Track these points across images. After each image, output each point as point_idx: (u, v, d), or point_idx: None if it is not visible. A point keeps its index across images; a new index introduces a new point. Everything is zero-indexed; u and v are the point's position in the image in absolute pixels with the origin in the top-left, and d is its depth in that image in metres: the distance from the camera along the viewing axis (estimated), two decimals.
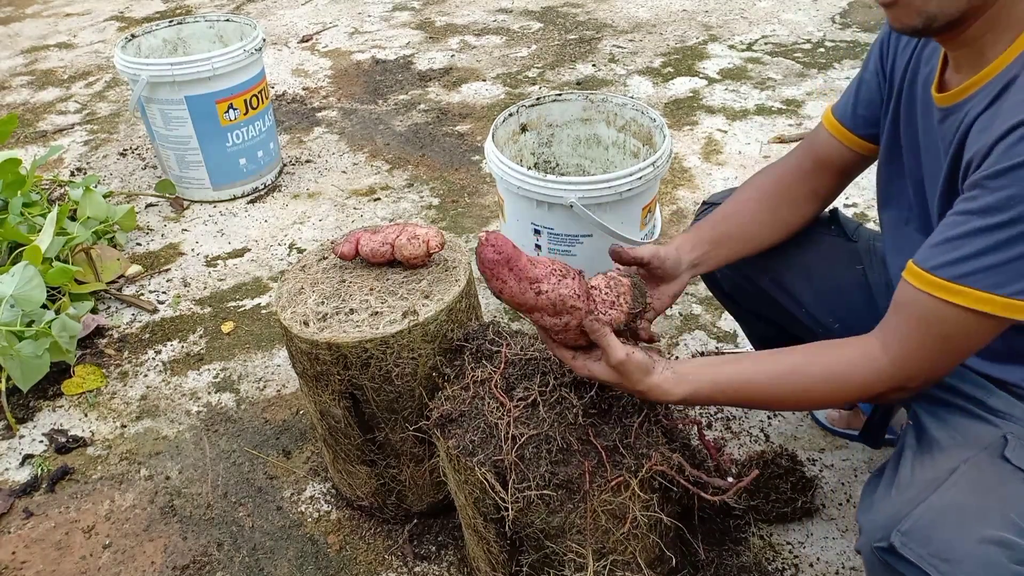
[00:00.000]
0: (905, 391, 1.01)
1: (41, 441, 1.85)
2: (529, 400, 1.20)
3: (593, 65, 3.62)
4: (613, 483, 1.13)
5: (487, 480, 1.14)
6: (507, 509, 1.13)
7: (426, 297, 1.37)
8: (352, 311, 1.36)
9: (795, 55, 3.58)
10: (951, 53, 1.02)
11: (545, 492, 1.12)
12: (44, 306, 1.95)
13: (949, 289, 0.91)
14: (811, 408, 1.10)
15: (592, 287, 1.12)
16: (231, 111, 2.60)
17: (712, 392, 1.07)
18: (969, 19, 0.95)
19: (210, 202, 2.76)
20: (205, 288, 2.34)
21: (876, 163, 1.27)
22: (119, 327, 2.20)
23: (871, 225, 1.57)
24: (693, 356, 1.94)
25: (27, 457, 1.81)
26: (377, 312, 1.35)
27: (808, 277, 1.37)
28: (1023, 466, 0.95)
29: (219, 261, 2.46)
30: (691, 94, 3.29)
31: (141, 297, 2.31)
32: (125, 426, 1.88)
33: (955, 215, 0.92)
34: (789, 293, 1.39)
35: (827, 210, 1.44)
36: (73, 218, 2.42)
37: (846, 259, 1.37)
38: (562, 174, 2.26)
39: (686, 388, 1.06)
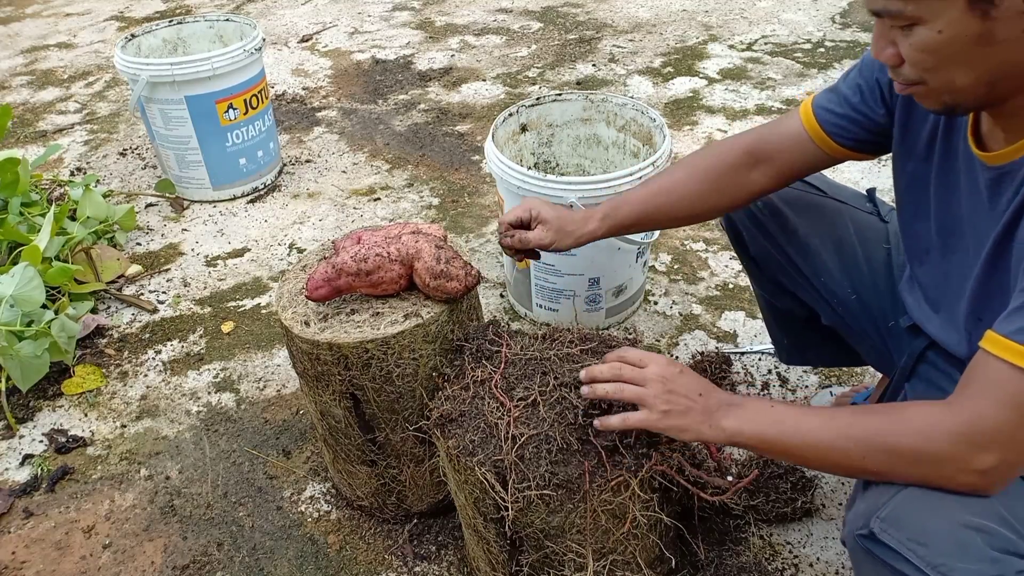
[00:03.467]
0: (973, 468, 0.90)
1: (41, 441, 1.85)
2: (529, 400, 1.20)
3: (593, 65, 3.62)
4: (613, 483, 1.13)
5: (487, 480, 1.14)
6: (507, 509, 1.13)
7: (427, 297, 1.37)
8: (353, 311, 1.36)
9: (795, 55, 3.58)
10: (992, 117, 0.97)
11: (545, 492, 1.12)
12: (44, 306, 1.95)
13: None
14: (862, 476, 1.02)
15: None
16: (231, 111, 2.60)
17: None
18: (1000, 101, 0.91)
19: (210, 202, 2.76)
20: (205, 288, 2.34)
21: (897, 200, 1.22)
22: (119, 327, 2.19)
23: None
24: (693, 356, 1.94)
25: (27, 457, 1.81)
26: (378, 312, 1.35)
27: (838, 247, 1.38)
28: None
29: (219, 261, 2.46)
30: (691, 94, 3.29)
31: (141, 297, 2.31)
32: (125, 426, 1.88)
33: None
34: (813, 261, 1.39)
35: (866, 189, 1.46)
36: (73, 218, 2.42)
37: (876, 236, 1.38)
38: (562, 174, 2.26)
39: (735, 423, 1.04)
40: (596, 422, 1.12)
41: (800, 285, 1.44)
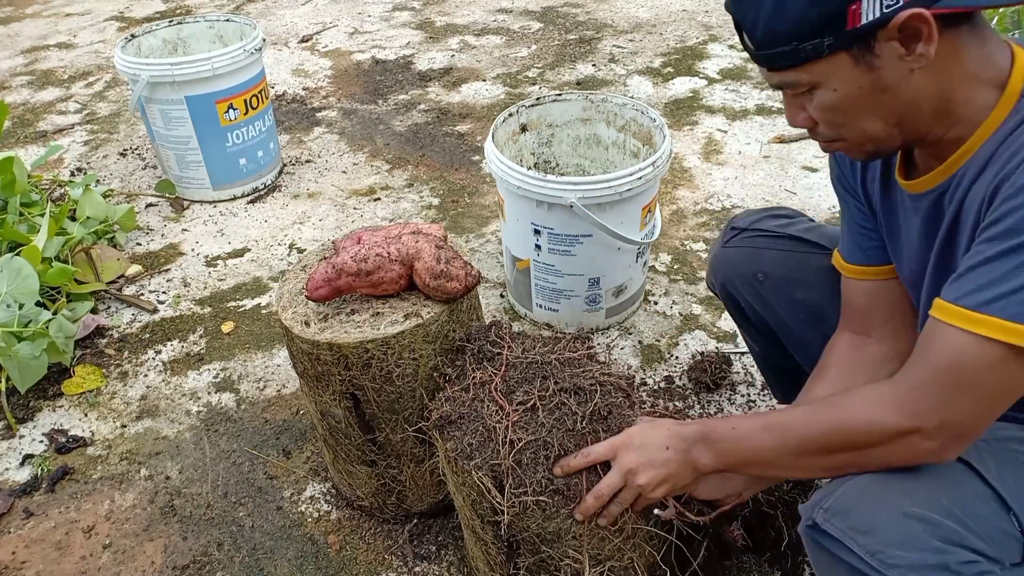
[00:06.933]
0: (923, 435, 0.91)
1: (41, 441, 1.85)
2: (528, 405, 1.19)
3: (593, 65, 3.62)
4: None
5: (483, 484, 1.14)
6: (503, 513, 1.13)
7: (427, 297, 1.37)
8: (353, 311, 1.36)
9: None
10: (921, 151, 1.01)
11: (541, 498, 1.12)
12: (44, 306, 1.95)
13: (971, 318, 0.86)
14: (826, 474, 1.04)
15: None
16: (231, 111, 2.60)
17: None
18: (919, 137, 0.96)
19: (210, 202, 2.76)
20: (205, 288, 2.34)
21: None
22: (119, 327, 2.19)
23: None
24: (693, 356, 1.94)
25: (27, 457, 1.81)
26: (378, 313, 1.35)
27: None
28: (966, 457, 0.96)
29: (219, 261, 2.46)
30: (691, 94, 3.29)
31: (141, 297, 2.31)
32: (125, 426, 1.88)
33: (978, 244, 0.88)
34: (824, 326, 1.32)
35: None
36: (73, 218, 2.42)
37: None
38: (562, 174, 2.26)
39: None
40: (603, 520, 1.14)
41: (806, 347, 1.39)
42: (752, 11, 0.91)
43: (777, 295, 1.38)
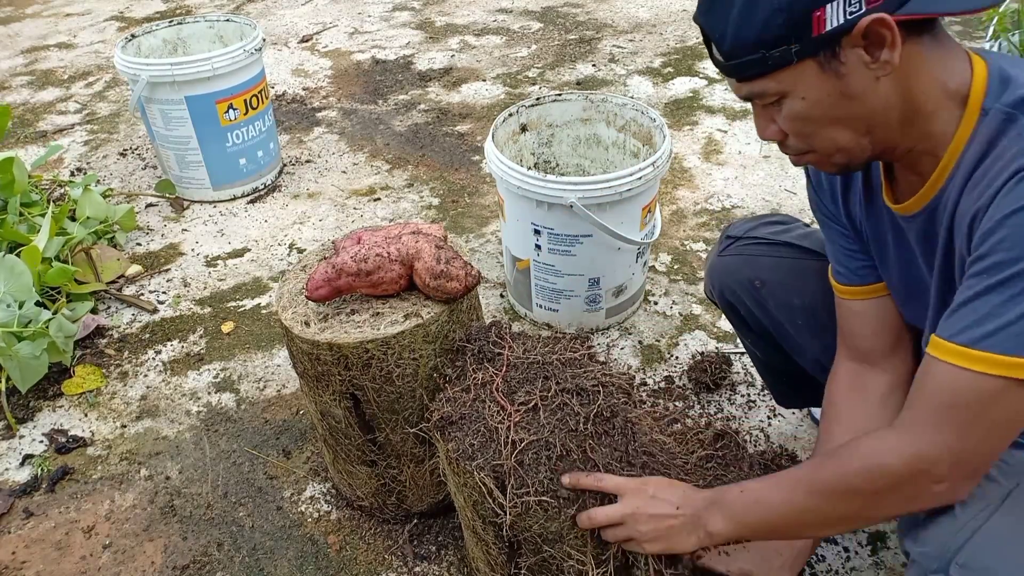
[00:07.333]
0: (931, 477, 0.90)
1: (41, 441, 1.85)
2: (530, 405, 1.19)
3: (593, 65, 3.62)
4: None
5: (485, 485, 1.14)
6: (505, 514, 1.13)
7: (427, 298, 1.37)
8: (353, 312, 1.36)
9: None
10: (900, 168, 1.01)
11: (543, 499, 1.12)
12: (44, 306, 1.95)
13: (967, 355, 0.85)
14: (840, 527, 1.06)
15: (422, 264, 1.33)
16: (231, 111, 2.60)
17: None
18: (889, 149, 0.95)
19: (210, 202, 2.76)
20: (205, 288, 2.34)
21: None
22: (119, 327, 2.19)
23: None
24: (693, 356, 1.94)
25: (27, 457, 1.81)
26: (378, 313, 1.35)
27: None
28: None
29: (219, 261, 2.46)
30: (691, 94, 3.29)
31: (141, 297, 2.31)
32: (125, 426, 1.88)
33: (968, 278, 0.87)
34: (824, 334, 1.33)
35: None
36: (73, 218, 2.42)
37: None
38: (562, 174, 2.26)
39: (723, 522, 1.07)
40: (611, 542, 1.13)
41: (805, 351, 1.40)
42: (721, 22, 0.91)
43: (775, 301, 1.38)
